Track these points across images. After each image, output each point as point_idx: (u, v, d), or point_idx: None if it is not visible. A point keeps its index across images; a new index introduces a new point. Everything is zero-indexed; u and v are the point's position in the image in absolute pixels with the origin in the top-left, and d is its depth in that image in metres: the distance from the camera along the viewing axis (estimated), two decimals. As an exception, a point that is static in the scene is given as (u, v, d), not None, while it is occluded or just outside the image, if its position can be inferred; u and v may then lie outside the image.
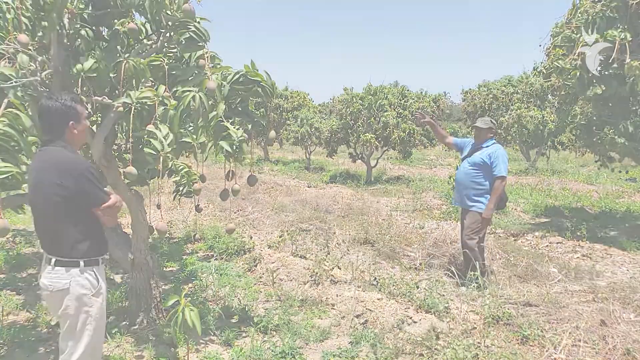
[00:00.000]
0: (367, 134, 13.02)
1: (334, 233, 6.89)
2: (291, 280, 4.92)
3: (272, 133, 3.71)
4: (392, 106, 13.75)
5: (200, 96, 3.18)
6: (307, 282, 4.76)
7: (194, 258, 5.77)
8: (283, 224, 7.55)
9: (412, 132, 13.51)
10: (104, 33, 3.52)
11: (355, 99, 13.29)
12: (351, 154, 14.69)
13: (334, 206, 9.24)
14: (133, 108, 3.00)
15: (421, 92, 16.36)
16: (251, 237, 6.32)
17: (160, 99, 3.08)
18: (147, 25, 3.57)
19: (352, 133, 13.75)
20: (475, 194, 4.83)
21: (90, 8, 3.35)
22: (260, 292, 4.70)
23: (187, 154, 3.99)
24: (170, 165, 4.50)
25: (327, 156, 16.02)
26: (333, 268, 4.88)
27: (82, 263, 2.34)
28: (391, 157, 19.02)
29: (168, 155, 2.96)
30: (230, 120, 3.43)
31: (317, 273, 4.77)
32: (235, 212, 8.60)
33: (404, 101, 14.22)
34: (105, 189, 2.44)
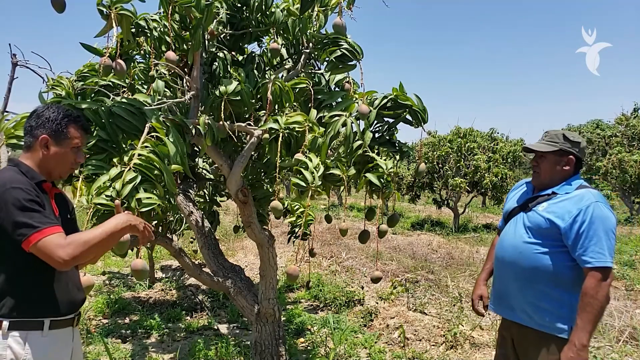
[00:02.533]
0: (456, 178, 12.25)
1: (446, 285, 6.15)
2: (420, 340, 4.24)
3: (423, 165, 3.20)
4: (482, 149, 12.97)
5: (351, 122, 2.77)
6: (442, 343, 4.06)
7: (300, 308, 5.24)
8: (385, 273, 6.90)
9: (504, 176, 12.59)
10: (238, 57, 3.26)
11: (443, 141, 12.66)
12: (436, 199, 13.91)
13: (432, 255, 8.49)
14: (281, 135, 2.60)
15: (502, 137, 15.45)
16: (362, 287, 5.72)
17: (310, 125, 2.68)
18: (284, 50, 3.28)
19: (439, 178, 13.03)
20: (540, 297, 2.12)
21: (228, 29, 3.08)
22: (386, 352, 4.06)
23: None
24: (286, 205, 4.13)
25: (409, 202, 15.30)
26: (474, 328, 4.15)
27: (6, 324, 1.60)
28: (471, 205, 17.92)
29: (318, 189, 2.52)
30: (375, 151, 2.98)
31: (453, 333, 4.06)
32: (328, 259, 8.07)
33: (494, 144, 13.40)
34: (42, 219, 1.55)
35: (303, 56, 3.11)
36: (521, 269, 2.15)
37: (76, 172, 2.24)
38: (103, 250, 1.67)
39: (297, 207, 4.21)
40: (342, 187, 2.85)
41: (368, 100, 2.94)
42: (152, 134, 2.36)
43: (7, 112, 5.87)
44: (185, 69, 2.84)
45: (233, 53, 3.22)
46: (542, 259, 2.10)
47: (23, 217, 1.53)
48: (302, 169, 2.50)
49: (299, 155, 2.57)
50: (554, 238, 2.08)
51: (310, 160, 2.54)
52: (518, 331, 2.20)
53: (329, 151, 2.86)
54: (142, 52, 3.04)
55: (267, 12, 3.00)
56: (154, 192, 2.21)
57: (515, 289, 2.19)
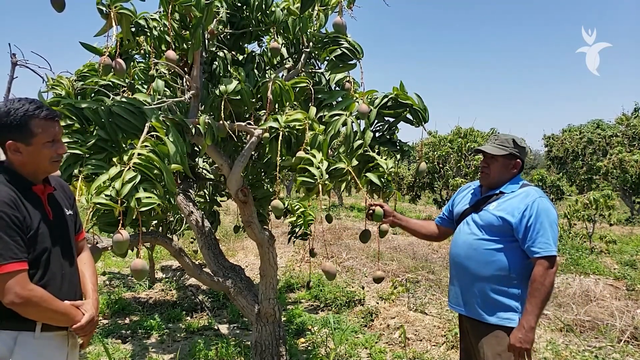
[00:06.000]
0: (456, 178, 12.25)
1: (447, 285, 6.13)
2: (421, 341, 4.23)
3: (423, 165, 3.19)
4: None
5: (351, 121, 2.76)
6: (443, 343, 4.05)
7: (301, 309, 5.23)
8: (386, 273, 6.89)
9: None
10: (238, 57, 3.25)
11: (444, 141, 12.66)
12: (437, 199, 13.91)
13: (433, 255, 8.47)
14: (281, 133, 2.59)
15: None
16: (363, 288, 5.72)
17: (310, 123, 2.67)
18: (284, 49, 3.28)
19: (439, 178, 13.03)
20: (493, 291, 2.26)
21: (228, 28, 3.07)
22: (386, 352, 4.05)
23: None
24: (286, 205, 4.12)
25: (410, 202, 15.30)
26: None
27: None
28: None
29: (326, 182, 2.50)
30: (376, 151, 2.98)
31: (454, 333, 4.05)
32: (329, 259, 8.05)
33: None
34: (6, 252, 1.51)
35: (303, 55, 3.10)
36: (475, 265, 2.30)
37: (76, 171, 2.23)
38: (44, 318, 1.64)
39: (297, 207, 4.19)
40: (343, 186, 2.84)
41: (368, 100, 2.94)
42: (152, 133, 2.35)
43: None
44: (185, 68, 2.83)
45: (233, 52, 3.21)
46: (495, 255, 2.26)
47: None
48: (306, 166, 2.48)
49: (300, 153, 2.55)
50: (506, 234, 2.26)
51: (314, 156, 2.52)
52: (472, 325, 2.35)
53: (329, 151, 2.85)
54: (141, 51, 3.04)
55: (267, 12, 2.99)
56: (154, 191, 2.20)
57: (468, 285, 2.33)
